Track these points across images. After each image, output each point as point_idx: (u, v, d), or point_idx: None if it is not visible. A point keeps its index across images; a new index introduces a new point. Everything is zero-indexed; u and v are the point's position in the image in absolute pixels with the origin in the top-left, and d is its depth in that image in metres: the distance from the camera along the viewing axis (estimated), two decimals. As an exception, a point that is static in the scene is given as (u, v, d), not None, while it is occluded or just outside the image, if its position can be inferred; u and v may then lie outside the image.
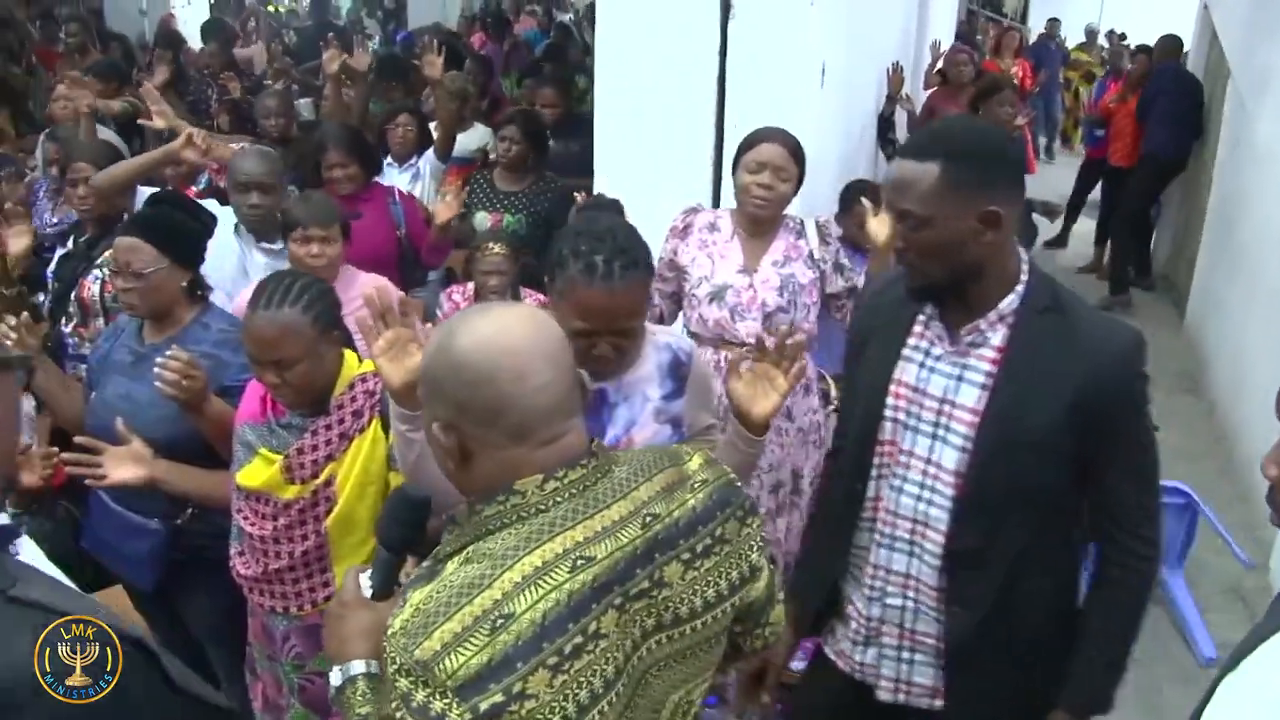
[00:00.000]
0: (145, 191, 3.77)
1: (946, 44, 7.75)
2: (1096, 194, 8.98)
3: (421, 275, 4.58)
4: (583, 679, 1.32)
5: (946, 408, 2.06)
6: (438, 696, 1.26)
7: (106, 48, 9.17)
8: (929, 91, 7.32)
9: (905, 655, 2.21)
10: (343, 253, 3.36)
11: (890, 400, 2.12)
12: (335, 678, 1.54)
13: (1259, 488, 2.08)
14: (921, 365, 2.09)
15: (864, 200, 3.56)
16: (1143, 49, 9.01)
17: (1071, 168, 10.25)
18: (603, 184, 3.91)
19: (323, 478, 2.42)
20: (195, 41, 10.15)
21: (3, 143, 5.38)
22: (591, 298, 2.05)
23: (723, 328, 3.17)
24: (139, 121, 4.94)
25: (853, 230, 4.00)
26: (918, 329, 2.12)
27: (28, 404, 2.94)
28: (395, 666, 1.29)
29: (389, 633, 1.31)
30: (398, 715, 1.29)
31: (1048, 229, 8.41)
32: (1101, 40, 14.80)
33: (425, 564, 1.41)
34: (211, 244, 2.97)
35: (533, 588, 1.30)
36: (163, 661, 1.33)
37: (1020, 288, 2.01)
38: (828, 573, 2.29)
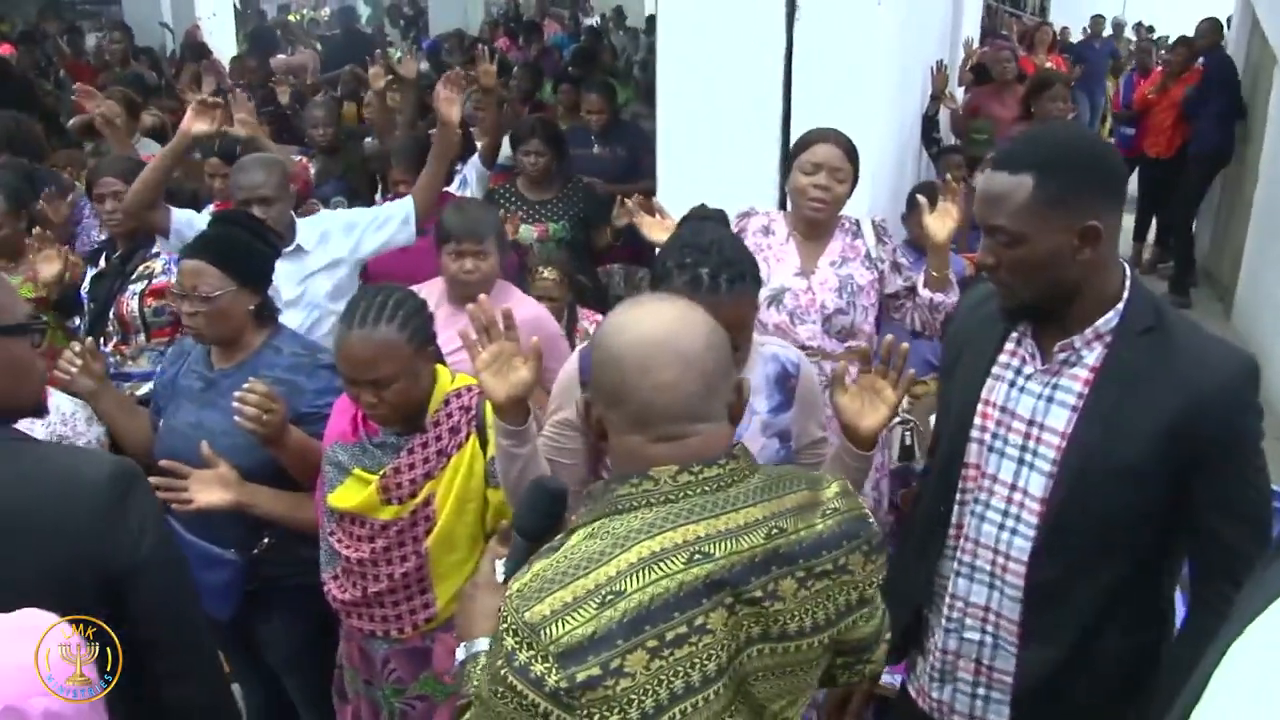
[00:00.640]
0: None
1: (976, 41, 7.67)
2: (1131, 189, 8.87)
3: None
4: (680, 668, 1.34)
5: (1035, 430, 1.95)
6: (539, 660, 1.29)
7: (135, 60, 9.16)
8: (971, 89, 7.23)
9: (980, 692, 2.10)
10: (498, 267, 3.24)
11: (978, 420, 2.02)
12: (460, 653, 1.60)
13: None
14: (1011, 384, 1.99)
15: (920, 197, 3.48)
16: (1183, 40, 8.88)
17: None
18: (665, 188, 3.84)
19: (421, 497, 2.36)
20: (220, 53, 10.12)
21: (44, 159, 5.33)
22: None
23: (783, 331, 3.10)
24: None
25: (918, 232, 3.92)
26: (1009, 345, 2.01)
27: (98, 430, 2.86)
28: (505, 625, 1.33)
29: (507, 593, 1.36)
30: (501, 671, 1.32)
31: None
32: (1129, 34, 14.67)
33: (559, 537, 1.44)
34: None
35: (646, 570, 1.33)
36: None
37: (1120, 305, 1.89)
38: (909, 596, 2.18)
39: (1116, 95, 10.57)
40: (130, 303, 3.73)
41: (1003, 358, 2.01)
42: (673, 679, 1.33)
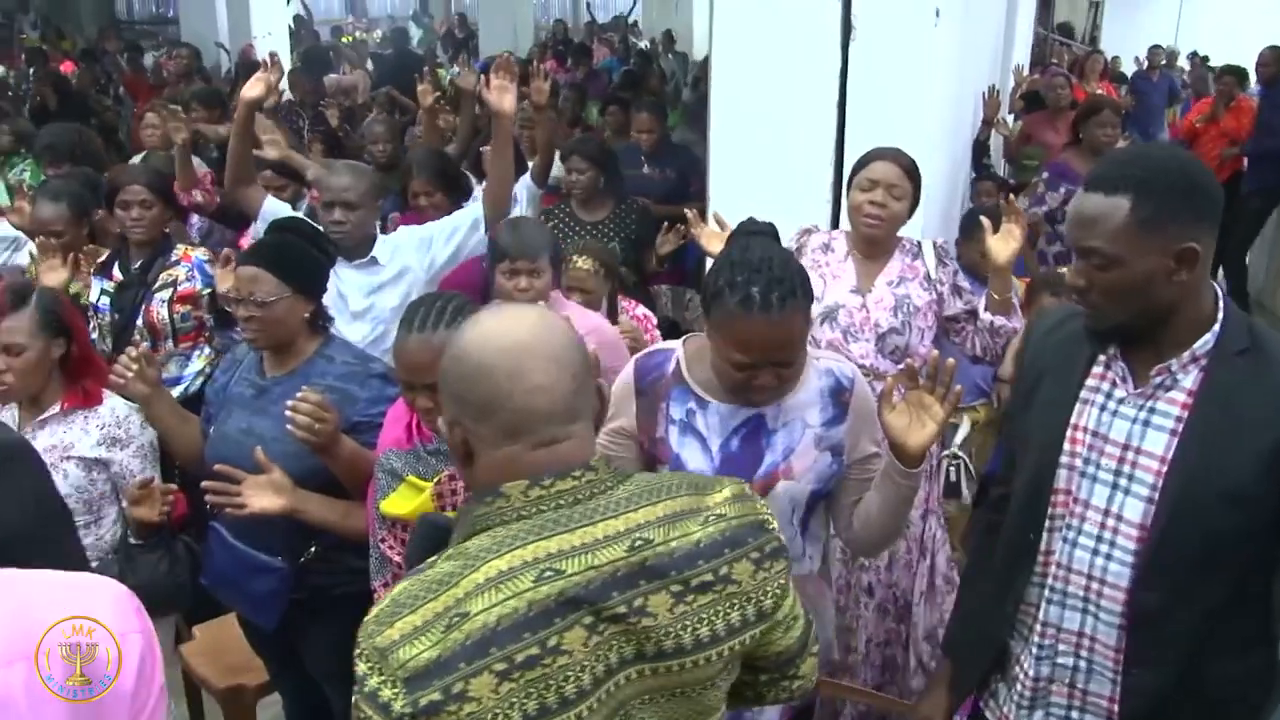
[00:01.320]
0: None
1: (1026, 69, 7.60)
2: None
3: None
4: (534, 690, 1.29)
5: (1130, 455, 1.91)
6: (388, 685, 1.27)
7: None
8: (1022, 116, 7.18)
9: (1074, 715, 2.05)
10: (551, 285, 3.21)
11: (1067, 445, 1.98)
12: None
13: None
14: (1102, 408, 1.95)
15: (983, 218, 3.44)
16: (1229, 69, 8.76)
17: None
18: (717, 207, 3.82)
19: None
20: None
21: (103, 171, 5.42)
22: (750, 330, 1.99)
23: (835, 349, 3.07)
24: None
25: (973, 257, 3.88)
26: (1097, 369, 1.97)
27: (150, 434, 2.89)
28: (358, 651, 1.31)
29: (365, 620, 1.33)
30: (355, 698, 1.30)
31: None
32: (1182, 62, 14.49)
33: (427, 561, 1.41)
34: None
35: (493, 590, 1.30)
36: None
37: (1216, 327, 1.85)
38: (993, 631, 2.14)
39: (1173, 127, 10.43)
40: (159, 310, 3.81)
41: (1091, 381, 1.97)
42: (525, 701, 1.29)
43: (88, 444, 2.78)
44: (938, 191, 3.89)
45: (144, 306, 3.82)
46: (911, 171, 3.11)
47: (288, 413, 2.45)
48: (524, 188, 5.15)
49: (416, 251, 3.70)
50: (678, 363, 2.23)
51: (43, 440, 2.76)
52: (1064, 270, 2.74)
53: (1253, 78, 8.60)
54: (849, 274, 3.15)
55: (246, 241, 4.14)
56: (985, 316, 3.14)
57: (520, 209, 5.08)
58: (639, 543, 1.37)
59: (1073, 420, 1.97)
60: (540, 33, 17.09)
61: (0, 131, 6.80)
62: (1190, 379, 1.86)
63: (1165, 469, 1.86)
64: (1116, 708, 1.98)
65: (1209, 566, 1.86)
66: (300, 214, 4.32)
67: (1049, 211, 5.29)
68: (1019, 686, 2.10)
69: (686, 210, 3.70)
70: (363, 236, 3.57)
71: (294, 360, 2.75)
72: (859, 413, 2.22)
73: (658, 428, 2.21)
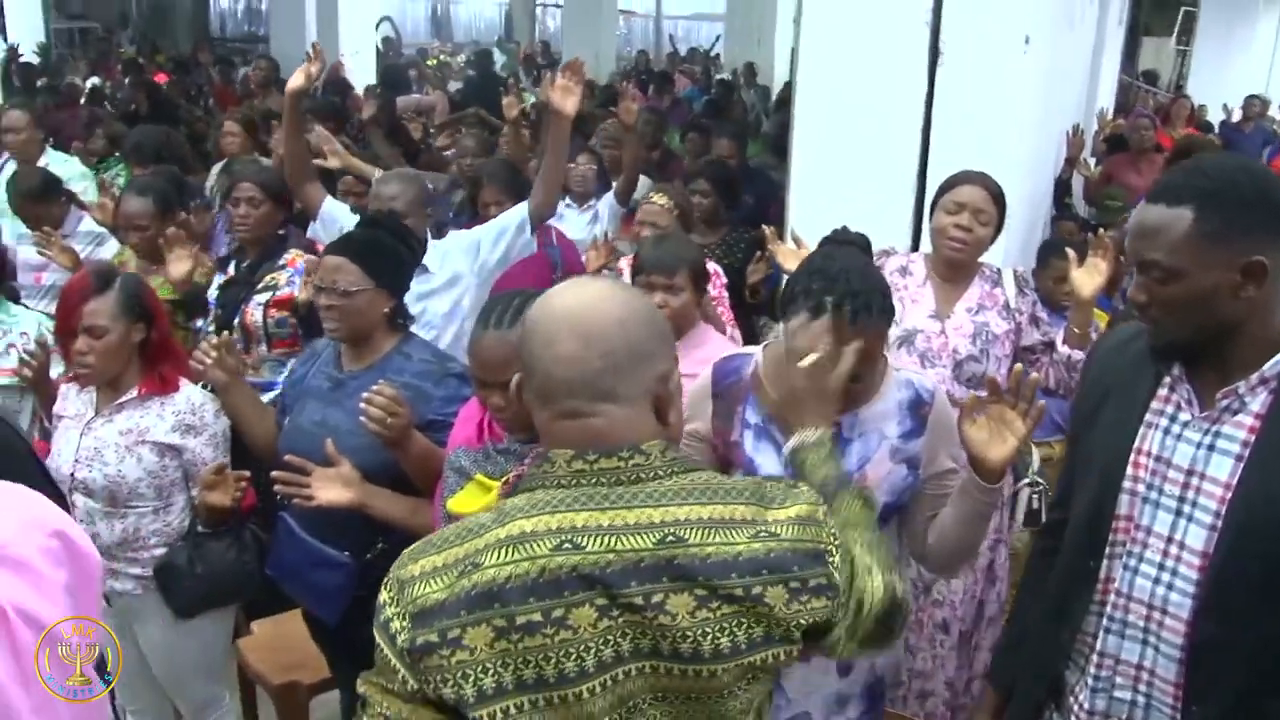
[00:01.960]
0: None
1: (1111, 113, 7.50)
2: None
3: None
4: (531, 658, 1.29)
5: (1194, 480, 1.82)
6: (399, 617, 1.32)
7: (275, 88, 9.52)
8: (1105, 158, 7.07)
9: None
10: (693, 304, 3.13)
11: (1129, 470, 1.90)
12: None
13: None
14: (1166, 432, 1.87)
15: (1069, 250, 3.37)
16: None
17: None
18: (797, 229, 3.80)
19: None
20: (360, 89, 10.45)
21: (189, 173, 5.55)
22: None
23: None
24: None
25: (1048, 287, 3.82)
26: (1163, 391, 1.89)
27: (224, 423, 2.91)
28: (386, 579, 1.37)
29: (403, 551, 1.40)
30: (377, 618, 1.36)
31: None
32: (1274, 111, 14.20)
33: None
34: None
35: (510, 548, 1.31)
36: None
37: None
38: (1048, 660, 2.06)
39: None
40: (255, 312, 3.78)
41: (1155, 404, 1.90)
42: (522, 667, 1.29)
43: (162, 429, 2.81)
44: (1020, 220, 3.83)
45: (243, 307, 3.82)
46: (998, 197, 3.07)
47: (361, 405, 2.46)
48: (607, 205, 5.18)
49: (465, 256, 3.73)
50: (755, 368, 2.22)
51: (119, 423, 2.80)
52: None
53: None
54: (928, 298, 3.10)
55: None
56: (1063, 350, 3.07)
57: (602, 225, 5.11)
58: (670, 539, 1.33)
59: (1136, 444, 1.90)
60: (622, 63, 17.24)
61: (95, 135, 7.03)
62: (1259, 402, 1.78)
63: (1230, 495, 1.78)
64: None
65: (1271, 598, 1.76)
66: None
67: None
68: (1074, 718, 2.02)
69: (765, 228, 3.67)
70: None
71: (372, 355, 2.76)
72: (937, 427, 2.18)
73: (733, 431, 2.20)
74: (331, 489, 2.50)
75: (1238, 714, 1.81)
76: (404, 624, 1.31)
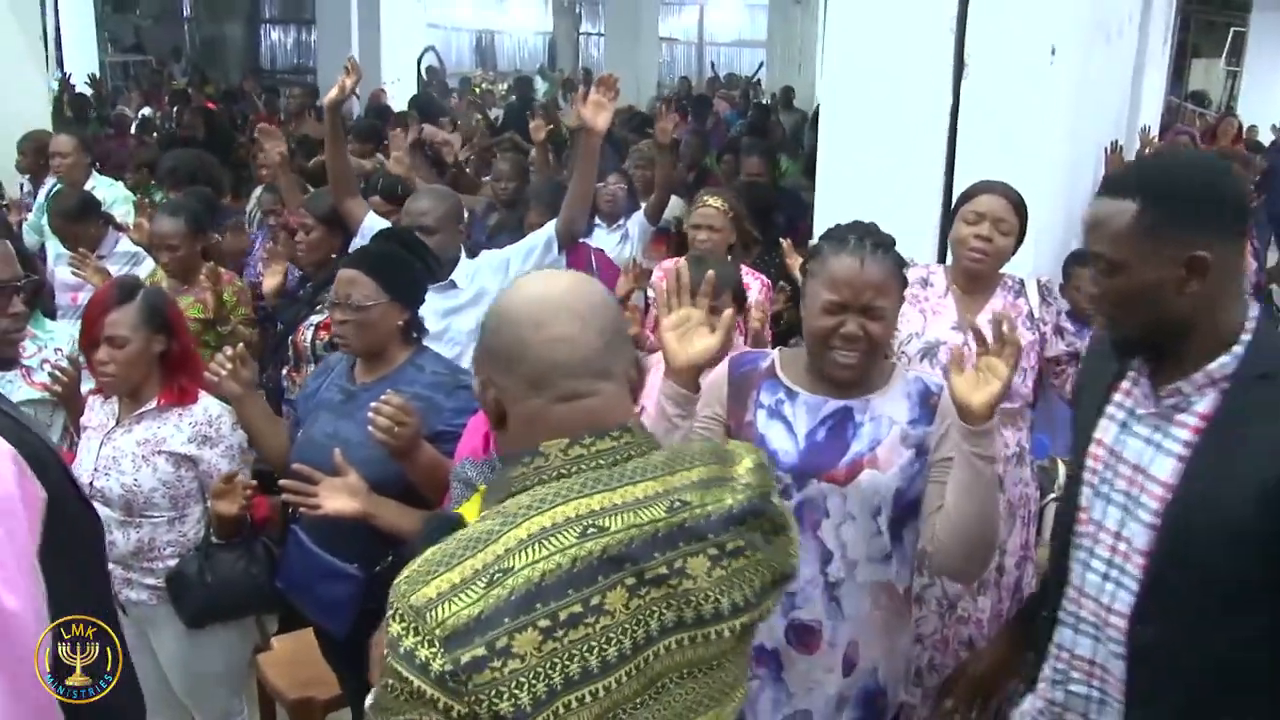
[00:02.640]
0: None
1: (1155, 133, 7.37)
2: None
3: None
4: (576, 652, 1.27)
5: (1139, 477, 1.79)
6: (424, 645, 1.24)
7: (313, 114, 9.71)
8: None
9: None
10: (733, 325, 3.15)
11: (1089, 463, 1.89)
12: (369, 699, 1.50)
13: None
14: (1122, 426, 1.85)
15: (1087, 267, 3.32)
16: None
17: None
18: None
19: None
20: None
21: (221, 195, 5.65)
22: (842, 266, 2.11)
23: None
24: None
25: (1075, 299, 3.75)
26: (1125, 384, 1.87)
27: (241, 436, 2.93)
28: (392, 611, 1.27)
29: (396, 581, 1.30)
30: (389, 661, 1.26)
31: None
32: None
33: None
34: None
35: (536, 546, 1.28)
36: None
37: (1239, 348, 1.71)
38: (1038, 641, 2.04)
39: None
40: (305, 333, 3.82)
41: (1118, 396, 1.89)
42: (568, 663, 1.26)
43: (179, 440, 2.83)
44: (1051, 231, 3.78)
45: (298, 326, 3.87)
46: (1019, 206, 3.02)
47: (369, 414, 2.46)
48: (636, 224, 5.18)
49: (494, 274, 3.72)
50: (772, 362, 2.31)
51: (138, 433, 2.83)
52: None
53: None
54: (950, 310, 3.06)
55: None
56: None
57: (631, 244, 5.11)
58: (677, 504, 1.37)
59: (1097, 436, 1.89)
60: (663, 89, 17.31)
61: (141, 164, 7.16)
62: (1205, 403, 1.74)
63: (1170, 497, 1.74)
64: None
65: (1210, 608, 1.71)
66: None
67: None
68: (1040, 703, 2.01)
69: (781, 239, 3.64)
70: (445, 260, 3.58)
71: (385, 368, 2.76)
72: (946, 416, 2.18)
73: (746, 413, 2.25)
74: (338, 498, 2.50)
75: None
76: (434, 650, 1.23)
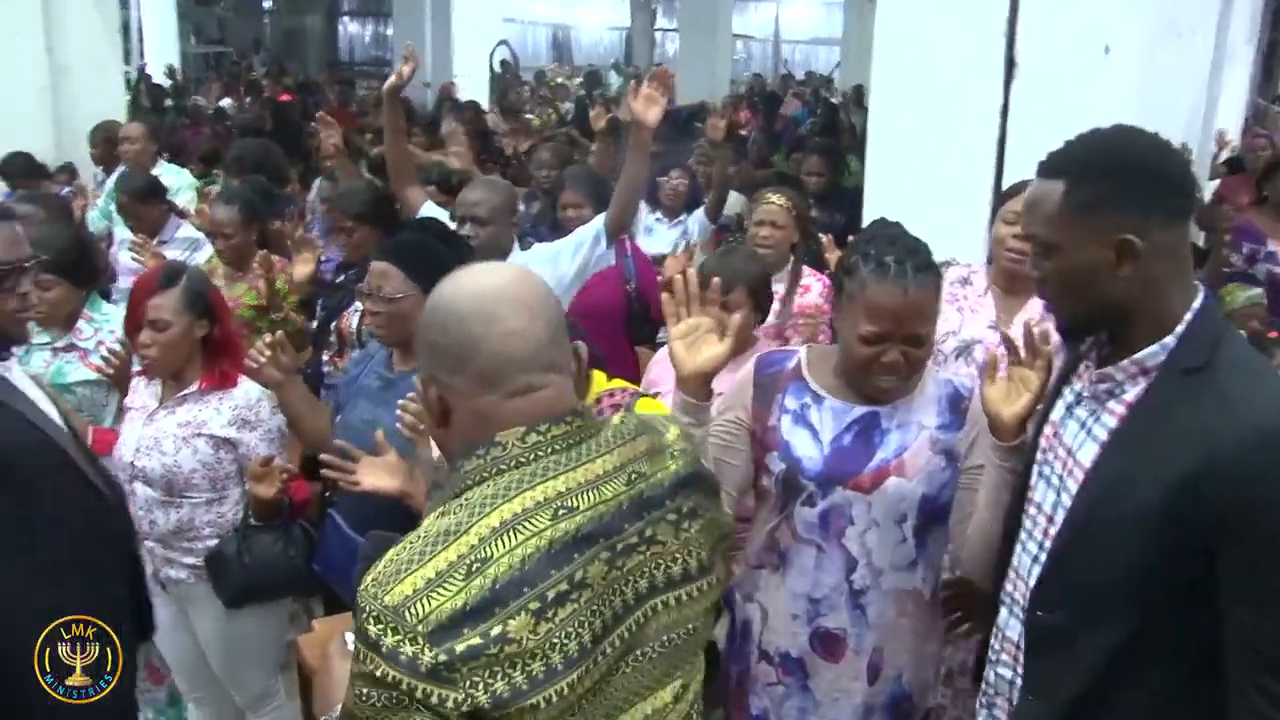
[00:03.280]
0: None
1: (1233, 135, 7.19)
2: None
3: (651, 330, 4.41)
4: (569, 629, 1.29)
5: (1070, 461, 1.76)
6: (408, 641, 1.23)
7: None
8: (1218, 180, 6.79)
9: None
10: (753, 322, 3.13)
11: (1041, 443, 1.87)
12: None
13: None
14: (1068, 409, 1.82)
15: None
16: None
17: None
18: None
19: None
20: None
21: (284, 185, 5.76)
22: (883, 297, 2.03)
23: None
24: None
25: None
26: (1081, 367, 1.84)
27: (279, 420, 2.98)
28: (364, 615, 1.25)
29: (360, 588, 1.28)
30: (366, 668, 1.24)
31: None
32: None
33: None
34: None
35: (511, 533, 1.29)
36: None
37: (1170, 339, 1.65)
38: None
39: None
40: (351, 319, 3.87)
41: (1074, 380, 1.86)
42: (566, 641, 1.28)
43: (219, 423, 2.88)
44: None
45: (342, 312, 3.93)
46: None
47: (399, 404, 2.48)
48: (696, 221, 5.18)
49: (544, 267, 3.71)
50: (799, 362, 2.27)
51: (180, 415, 2.89)
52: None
53: None
54: (988, 309, 3.01)
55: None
56: None
57: (691, 239, 5.11)
58: (634, 476, 1.42)
59: (1052, 417, 1.87)
60: (737, 86, 17.27)
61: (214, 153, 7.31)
62: (1133, 392, 1.69)
63: (1084, 482, 1.71)
64: None
65: (1108, 600, 1.66)
66: None
67: (1229, 272, 4.99)
68: (984, 684, 1.98)
69: (821, 236, 3.60)
70: (494, 252, 3.55)
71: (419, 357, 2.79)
72: (976, 421, 2.14)
73: (771, 416, 2.23)
74: (378, 475, 2.50)
75: (1072, 714, 1.71)
76: (421, 645, 1.22)
